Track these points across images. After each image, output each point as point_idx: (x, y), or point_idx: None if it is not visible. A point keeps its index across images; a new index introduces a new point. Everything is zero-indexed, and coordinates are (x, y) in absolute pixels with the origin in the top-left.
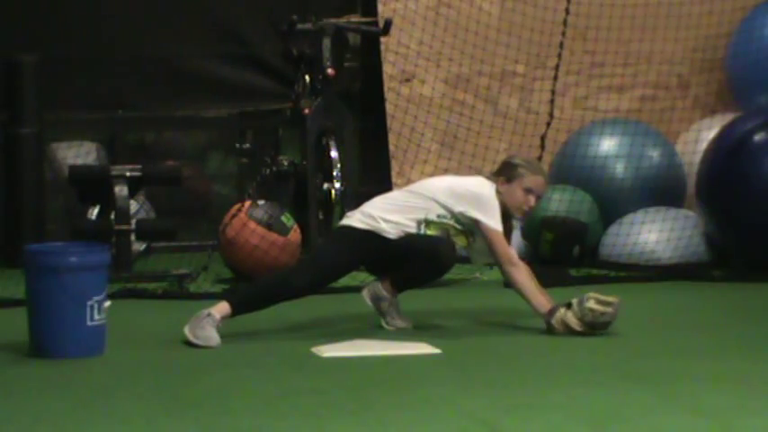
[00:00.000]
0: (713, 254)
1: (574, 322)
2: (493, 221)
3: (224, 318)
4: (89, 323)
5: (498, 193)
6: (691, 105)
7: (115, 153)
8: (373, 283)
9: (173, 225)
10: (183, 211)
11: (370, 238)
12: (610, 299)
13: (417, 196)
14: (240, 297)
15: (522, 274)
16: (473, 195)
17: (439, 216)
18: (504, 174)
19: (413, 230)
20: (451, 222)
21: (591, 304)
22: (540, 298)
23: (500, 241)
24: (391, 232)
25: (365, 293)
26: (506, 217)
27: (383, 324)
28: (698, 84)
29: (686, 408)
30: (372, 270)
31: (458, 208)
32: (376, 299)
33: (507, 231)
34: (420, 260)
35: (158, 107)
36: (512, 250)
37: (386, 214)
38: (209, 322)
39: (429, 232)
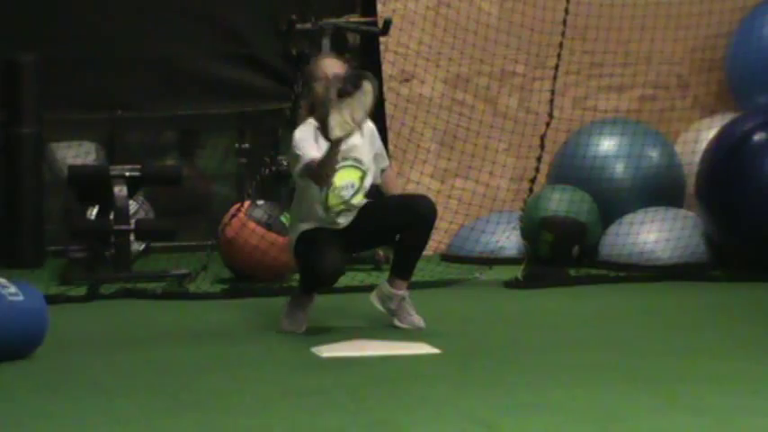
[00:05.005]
0: (712, 254)
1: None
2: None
3: None
4: None
5: (311, 114)
6: (690, 105)
7: (114, 153)
8: (381, 284)
9: (172, 225)
10: (182, 211)
11: None
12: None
13: None
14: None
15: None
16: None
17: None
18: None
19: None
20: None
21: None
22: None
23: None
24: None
25: (373, 297)
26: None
27: (396, 323)
28: (697, 84)
29: (686, 408)
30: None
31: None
32: (384, 299)
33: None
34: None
35: (158, 107)
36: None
37: None
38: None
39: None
